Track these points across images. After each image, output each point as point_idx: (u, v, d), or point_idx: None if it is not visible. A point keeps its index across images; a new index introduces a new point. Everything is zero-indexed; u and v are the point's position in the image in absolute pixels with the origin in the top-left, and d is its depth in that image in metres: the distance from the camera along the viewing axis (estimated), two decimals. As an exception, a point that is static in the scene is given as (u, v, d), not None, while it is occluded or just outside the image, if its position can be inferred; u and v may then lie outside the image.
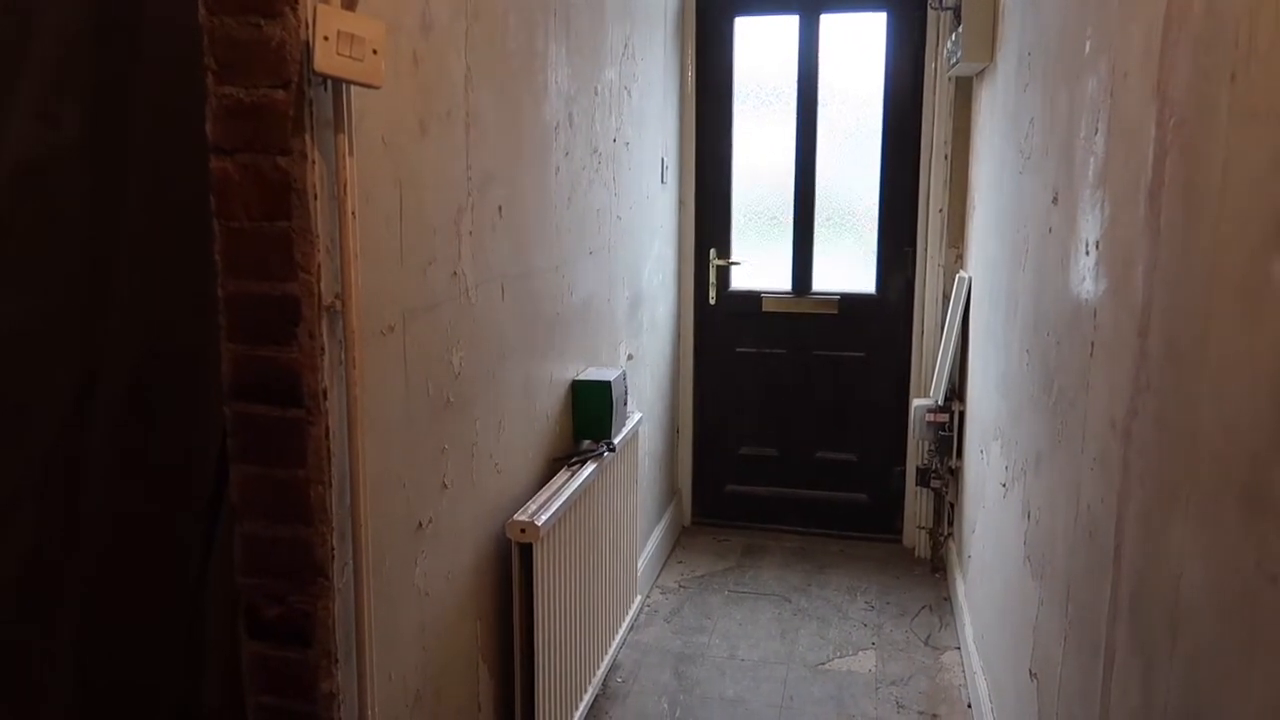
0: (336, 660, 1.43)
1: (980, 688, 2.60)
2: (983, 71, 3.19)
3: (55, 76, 1.56)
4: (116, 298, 1.61)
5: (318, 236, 1.33)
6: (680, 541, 4.00)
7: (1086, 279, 1.61)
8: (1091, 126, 1.62)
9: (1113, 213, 1.47)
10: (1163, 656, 1.17)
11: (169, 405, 1.60)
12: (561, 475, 2.31)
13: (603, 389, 2.54)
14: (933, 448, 3.57)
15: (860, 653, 3.09)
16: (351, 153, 1.37)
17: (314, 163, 1.32)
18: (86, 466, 1.65)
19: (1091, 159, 1.61)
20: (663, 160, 3.57)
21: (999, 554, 2.45)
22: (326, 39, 1.26)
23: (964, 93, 3.58)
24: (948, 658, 3.05)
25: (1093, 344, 1.56)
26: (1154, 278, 1.26)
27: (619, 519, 2.75)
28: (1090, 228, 1.60)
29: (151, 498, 1.62)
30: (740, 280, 4.05)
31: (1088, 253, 1.61)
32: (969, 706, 2.74)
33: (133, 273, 1.60)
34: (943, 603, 3.45)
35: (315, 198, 1.32)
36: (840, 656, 3.07)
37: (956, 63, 3.13)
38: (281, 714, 1.45)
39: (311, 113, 1.31)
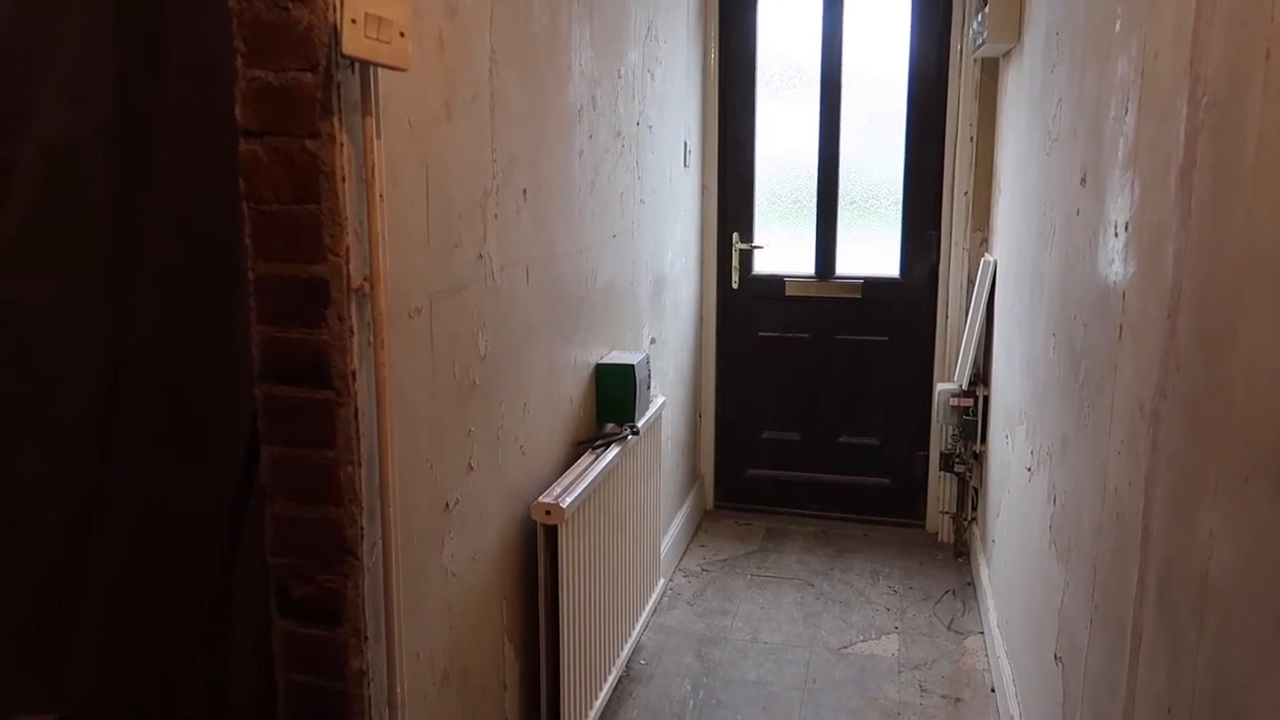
0: (366, 638, 1.45)
1: (1004, 672, 2.60)
2: (1009, 52, 3.16)
3: (84, 59, 1.58)
4: (145, 279, 1.63)
5: (346, 219, 1.34)
6: (703, 525, 4.01)
7: (1115, 261, 1.60)
8: (1121, 106, 1.61)
9: (1143, 194, 1.45)
10: (1191, 639, 1.16)
11: (198, 386, 1.62)
12: (585, 458, 2.32)
13: (626, 372, 2.54)
14: (956, 432, 3.55)
15: (883, 637, 3.09)
16: (379, 135, 1.38)
17: (342, 145, 1.33)
18: (115, 446, 1.67)
19: (1121, 139, 1.60)
20: (685, 143, 3.56)
21: (1024, 538, 2.44)
22: (354, 21, 1.27)
23: (990, 74, 3.55)
24: (971, 642, 3.05)
25: (1121, 326, 1.54)
26: (1185, 259, 1.25)
27: (642, 502, 2.76)
28: (1119, 209, 1.58)
29: (181, 478, 1.65)
30: (763, 264, 4.04)
31: (1116, 234, 1.59)
32: (992, 691, 2.73)
33: (161, 255, 1.62)
34: (966, 587, 3.44)
35: (343, 180, 1.33)
36: (863, 640, 3.07)
37: (982, 43, 3.10)
38: (312, 691, 1.47)
39: (339, 95, 1.32)
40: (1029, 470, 2.39)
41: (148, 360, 1.64)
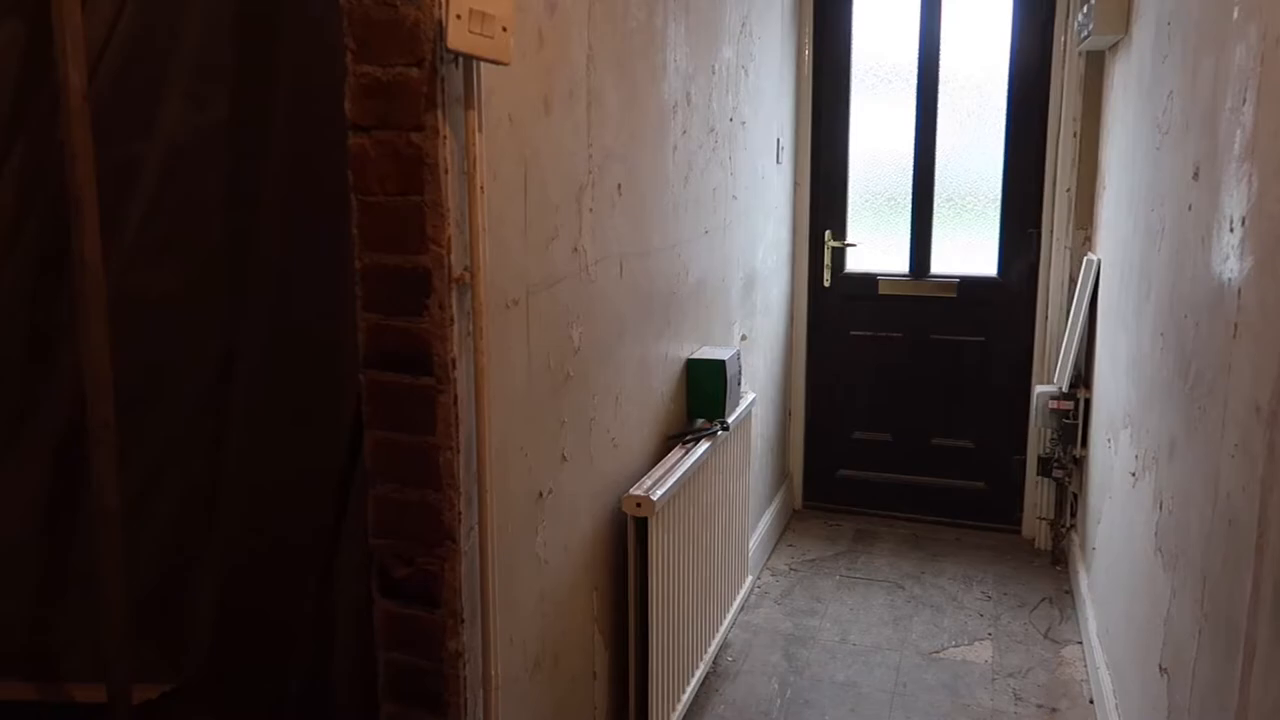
0: (462, 621, 1.48)
1: (1104, 683, 2.52)
2: (1116, 44, 3.06)
3: (203, 60, 1.65)
4: (257, 270, 1.70)
5: (448, 211, 1.38)
6: (791, 525, 3.99)
7: (1230, 257, 1.54)
8: (1239, 96, 1.54)
9: (1261, 187, 1.40)
10: (1309, 648, 1.11)
11: (306, 372, 1.68)
12: (676, 452, 2.33)
13: (717, 368, 2.54)
14: (1055, 436, 3.45)
15: (976, 643, 3.03)
16: (481, 129, 1.41)
17: (445, 138, 1.36)
18: (228, 432, 1.74)
19: (1238, 131, 1.54)
20: (778, 140, 3.54)
21: (1127, 545, 2.36)
22: (459, 17, 1.30)
23: (1094, 68, 3.44)
24: (1069, 652, 2.96)
25: (1236, 325, 1.48)
26: (1307, 252, 1.19)
27: (731, 498, 2.76)
28: (1235, 203, 1.52)
29: (289, 461, 1.71)
30: (856, 262, 3.99)
31: (1232, 230, 1.53)
32: (1091, 702, 2.65)
33: (273, 246, 1.68)
34: (1064, 596, 3.34)
35: (446, 173, 1.37)
36: (955, 645, 3.01)
37: (1088, 36, 3.01)
38: (410, 670, 1.51)
39: (443, 89, 1.35)
40: (1133, 475, 2.31)
41: (259, 348, 1.70)
